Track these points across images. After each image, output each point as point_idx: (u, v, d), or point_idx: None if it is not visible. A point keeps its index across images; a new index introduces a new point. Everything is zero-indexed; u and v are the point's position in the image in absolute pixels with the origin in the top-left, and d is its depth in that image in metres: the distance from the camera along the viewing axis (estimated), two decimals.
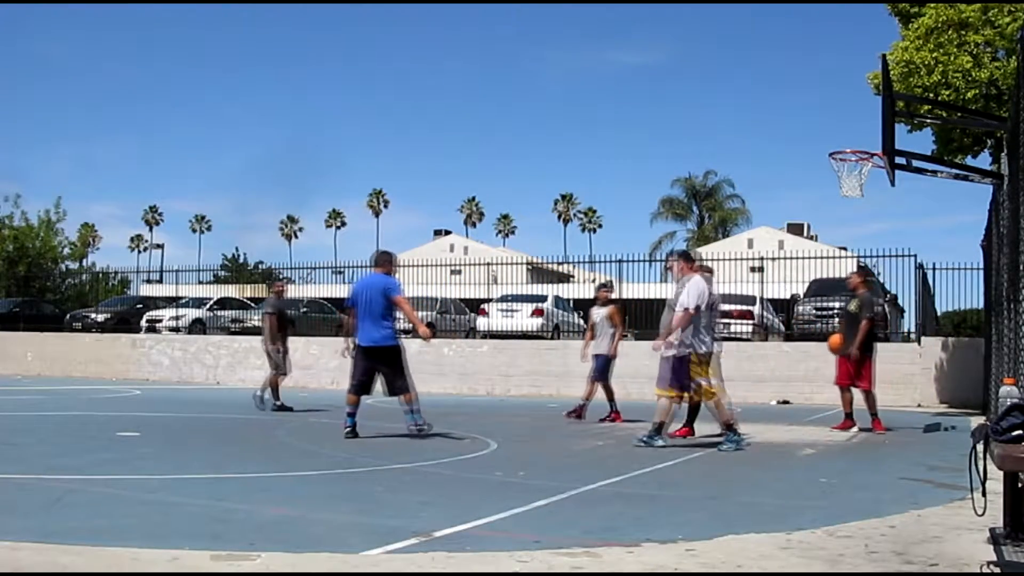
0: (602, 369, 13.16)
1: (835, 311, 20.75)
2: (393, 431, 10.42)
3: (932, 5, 14.40)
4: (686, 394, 9.71)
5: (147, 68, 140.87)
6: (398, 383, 10.00)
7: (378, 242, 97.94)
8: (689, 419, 10.88)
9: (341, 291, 33.03)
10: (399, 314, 10.18)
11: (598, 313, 13.39)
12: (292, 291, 32.76)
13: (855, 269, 13.50)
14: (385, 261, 10.28)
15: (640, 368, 16.96)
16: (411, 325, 11.16)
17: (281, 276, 21.57)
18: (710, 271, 10.70)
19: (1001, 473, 4.60)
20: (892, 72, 13.12)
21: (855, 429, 11.98)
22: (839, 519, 5.58)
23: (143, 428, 10.97)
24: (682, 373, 9.52)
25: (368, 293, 10.02)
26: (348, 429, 9.94)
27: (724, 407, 9.77)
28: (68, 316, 29.74)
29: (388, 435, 10.23)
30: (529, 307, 23.97)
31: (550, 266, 35.06)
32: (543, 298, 24.98)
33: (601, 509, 6.04)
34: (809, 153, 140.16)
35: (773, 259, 25.54)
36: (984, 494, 4.61)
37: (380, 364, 9.99)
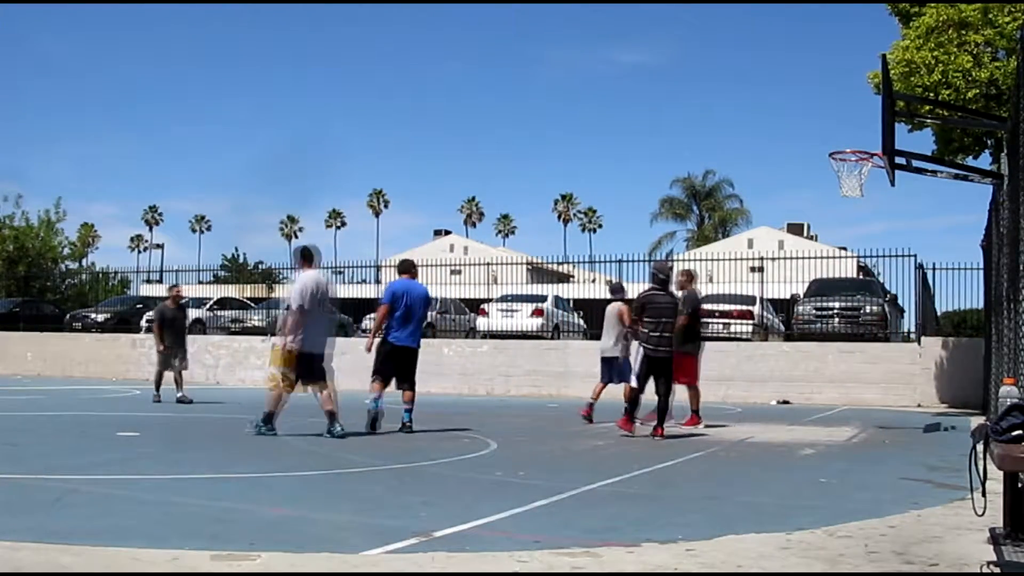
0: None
1: (835, 311, 20.79)
2: (392, 430, 10.43)
3: (932, 5, 14.39)
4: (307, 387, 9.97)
5: (147, 68, 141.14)
6: (412, 379, 10.81)
7: (378, 242, 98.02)
8: (629, 411, 10.73)
9: (340, 291, 33.16)
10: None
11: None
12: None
13: (682, 270, 13.48)
14: (412, 267, 11.18)
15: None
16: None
17: (174, 283, 19.58)
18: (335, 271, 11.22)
19: (1001, 473, 4.60)
20: (892, 72, 13.11)
21: (701, 426, 12.02)
22: (839, 519, 5.58)
23: (143, 428, 10.98)
24: (302, 366, 9.80)
25: (410, 299, 10.71)
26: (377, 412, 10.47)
27: (278, 399, 9.91)
28: (68, 316, 29.70)
29: (388, 434, 10.24)
30: (529, 307, 23.96)
31: (550, 266, 35.03)
32: (543, 298, 24.97)
33: (601, 509, 6.04)
34: (809, 153, 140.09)
35: (773, 259, 25.53)
36: (984, 494, 4.61)
37: (406, 361, 10.77)
